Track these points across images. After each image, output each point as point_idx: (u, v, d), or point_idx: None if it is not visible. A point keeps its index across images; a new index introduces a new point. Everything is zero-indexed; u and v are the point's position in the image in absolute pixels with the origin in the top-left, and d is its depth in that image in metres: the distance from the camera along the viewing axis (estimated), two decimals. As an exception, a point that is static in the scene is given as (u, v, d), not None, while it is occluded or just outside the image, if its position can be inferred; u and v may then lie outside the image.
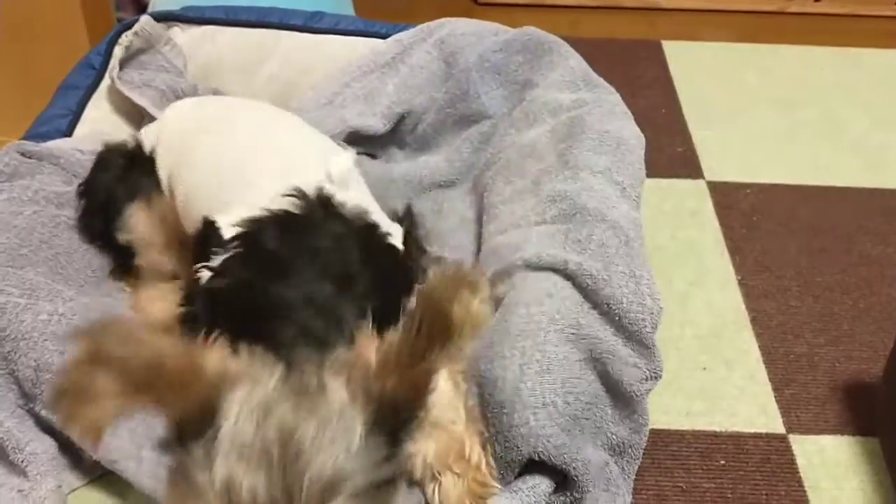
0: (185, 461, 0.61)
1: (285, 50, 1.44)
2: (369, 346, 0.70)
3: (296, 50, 1.43)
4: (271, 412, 0.61)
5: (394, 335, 0.64)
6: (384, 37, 1.42)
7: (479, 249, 1.18)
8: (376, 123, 1.36)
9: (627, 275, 0.98)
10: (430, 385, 0.64)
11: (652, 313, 0.96)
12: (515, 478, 0.93)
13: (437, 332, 0.61)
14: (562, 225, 1.05)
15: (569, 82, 1.26)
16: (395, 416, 0.64)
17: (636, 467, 1.00)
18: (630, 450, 0.99)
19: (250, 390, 0.62)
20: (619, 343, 0.96)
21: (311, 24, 1.47)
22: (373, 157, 1.40)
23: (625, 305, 0.97)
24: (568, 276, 1.00)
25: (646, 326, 0.96)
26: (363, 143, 1.38)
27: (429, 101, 1.36)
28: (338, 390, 0.64)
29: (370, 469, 0.62)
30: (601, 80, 1.28)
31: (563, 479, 0.92)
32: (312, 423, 0.61)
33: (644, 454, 1.00)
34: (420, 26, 1.41)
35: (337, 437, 0.61)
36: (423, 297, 0.63)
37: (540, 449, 0.89)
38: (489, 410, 0.93)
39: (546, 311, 0.96)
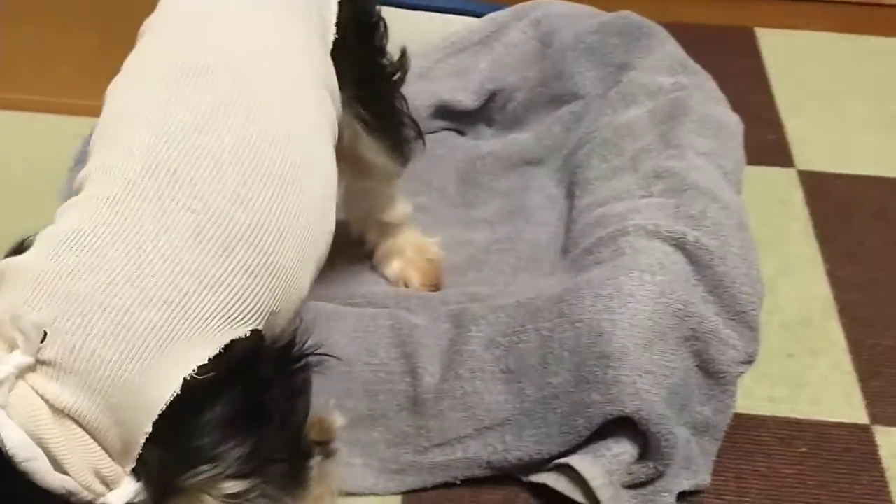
0: None
1: (382, 22, 1.47)
2: None
3: (392, 23, 1.45)
4: None
5: None
6: (479, 15, 1.44)
7: (567, 226, 1.20)
8: (466, 99, 1.39)
9: (740, 256, 1.00)
10: None
11: (760, 297, 0.98)
12: (594, 440, 0.95)
13: None
14: (670, 199, 1.07)
15: (667, 66, 1.27)
16: None
17: (717, 448, 1.00)
18: (712, 430, 1.00)
19: None
20: (721, 323, 0.98)
21: (408, -1, 1.50)
22: (461, 133, 1.43)
23: (737, 286, 0.98)
24: (682, 247, 1.00)
25: (754, 309, 0.97)
26: (452, 118, 1.41)
27: (521, 79, 1.38)
28: None
29: None
30: (698, 66, 1.28)
31: (644, 450, 0.94)
32: None
33: (725, 437, 1.01)
34: (515, 6, 1.43)
35: None
36: None
37: (644, 413, 0.90)
38: (588, 358, 0.94)
39: (658, 283, 0.96)
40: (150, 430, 0.66)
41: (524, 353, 0.98)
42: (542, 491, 0.97)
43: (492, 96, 1.39)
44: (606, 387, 0.92)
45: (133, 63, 0.87)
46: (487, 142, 1.40)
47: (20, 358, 0.64)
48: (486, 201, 1.31)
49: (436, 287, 1.18)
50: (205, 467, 0.68)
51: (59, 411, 0.64)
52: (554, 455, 0.96)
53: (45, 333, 0.65)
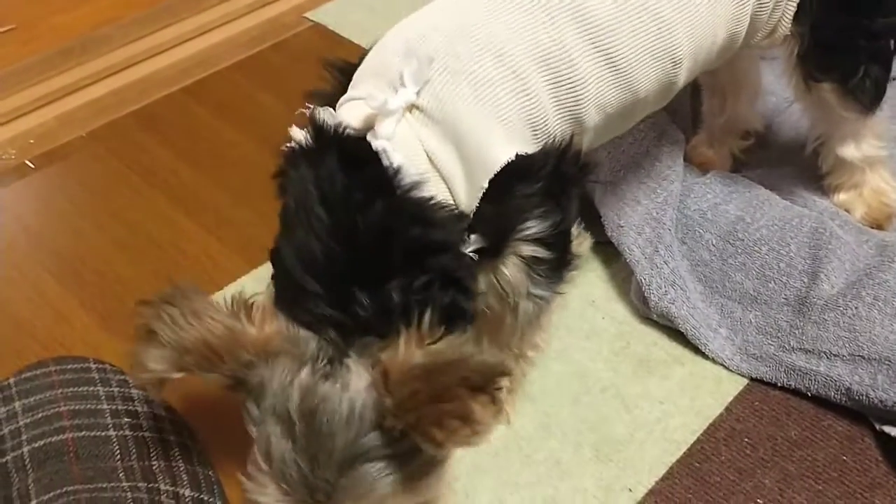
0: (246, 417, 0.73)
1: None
2: (409, 345, 0.69)
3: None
4: (299, 390, 0.70)
5: (432, 350, 0.68)
6: None
7: None
8: None
9: None
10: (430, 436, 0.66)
11: None
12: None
13: (426, 413, 0.65)
14: None
15: None
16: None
17: None
18: None
19: (284, 370, 0.71)
20: None
21: None
22: None
23: None
24: None
25: None
26: None
27: None
28: (359, 377, 0.70)
29: (384, 446, 0.69)
30: None
31: None
32: (331, 405, 0.69)
33: None
34: None
35: (352, 420, 0.69)
36: (432, 369, 0.66)
37: None
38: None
39: None
40: (486, 186, 0.75)
41: (939, 307, 0.92)
42: (889, 446, 0.92)
43: None
44: None
45: None
46: None
47: (409, 93, 0.75)
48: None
49: (879, 228, 1.13)
50: (528, 224, 0.77)
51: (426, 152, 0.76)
52: (918, 415, 0.91)
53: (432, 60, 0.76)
